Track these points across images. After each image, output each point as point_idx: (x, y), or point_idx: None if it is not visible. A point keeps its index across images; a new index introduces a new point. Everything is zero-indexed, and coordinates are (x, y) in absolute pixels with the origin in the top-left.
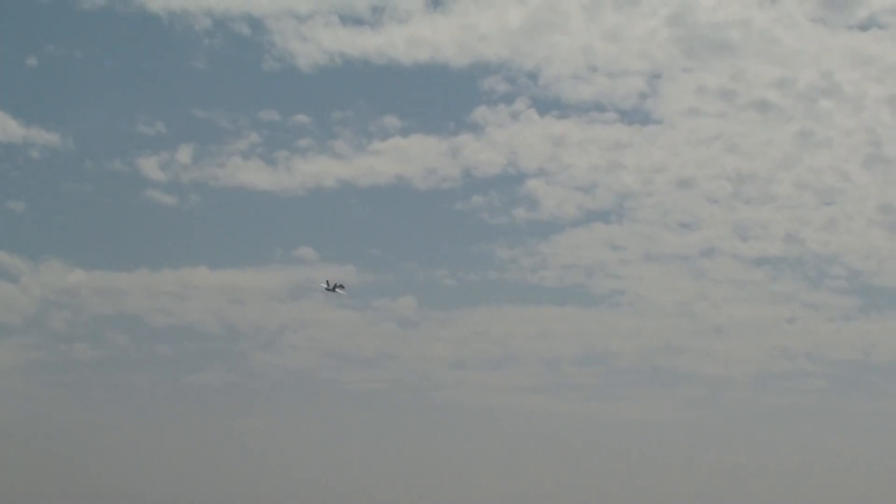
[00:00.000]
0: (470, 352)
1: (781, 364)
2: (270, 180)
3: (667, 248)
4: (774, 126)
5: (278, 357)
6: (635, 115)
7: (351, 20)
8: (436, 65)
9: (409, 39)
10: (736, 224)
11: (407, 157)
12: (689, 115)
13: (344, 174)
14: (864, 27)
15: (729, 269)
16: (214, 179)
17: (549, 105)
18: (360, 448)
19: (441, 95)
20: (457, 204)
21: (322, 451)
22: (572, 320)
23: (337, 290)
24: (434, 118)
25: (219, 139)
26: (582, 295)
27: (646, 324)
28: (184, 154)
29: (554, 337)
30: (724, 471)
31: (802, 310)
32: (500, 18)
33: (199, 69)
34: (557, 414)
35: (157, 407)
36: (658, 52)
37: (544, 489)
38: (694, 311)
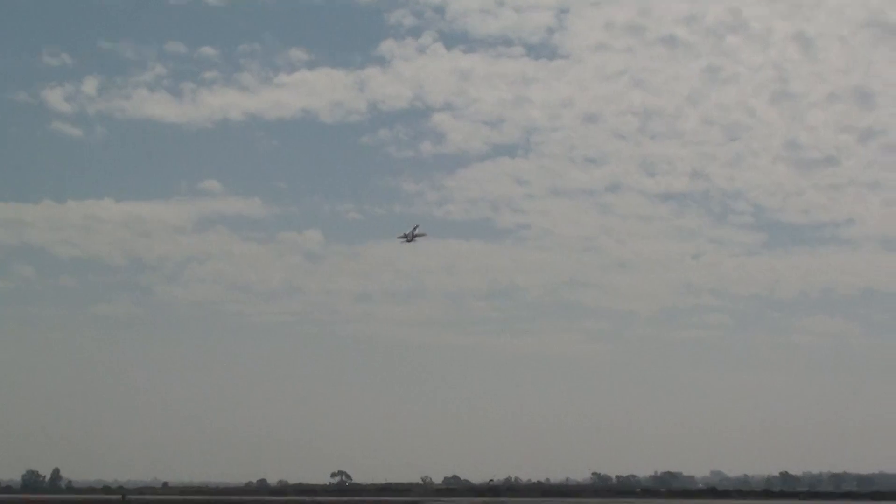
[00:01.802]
0: (376, 285)
1: (686, 299)
2: (176, 113)
3: (573, 183)
4: (682, 62)
5: (184, 289)
6: (543, 50)
7: None
8: None
9: None
10: (642, 159)
11: (313, 90)
12: (596, 51)
13: (250, 107)
14: None
15: (635, 204)
16: (120, 111)
17: (456, 39)
18: (266, 381)
19: (348, 28)
20: (363, 138)
21: (227, 383)
22: (478, 255)
23: (416, 237)
24: (340, 51)
25: (124, 71)
26: (488, 229)
27: (551, 258)
28: (89, 86)
29: (460, 271)
30: (627, 403)
31: (707, 245)
32: None
33: (104, 1)
34: (463, 347)
35: (63, 338)
36: None
37: (451, 420)
38: (599, 245)
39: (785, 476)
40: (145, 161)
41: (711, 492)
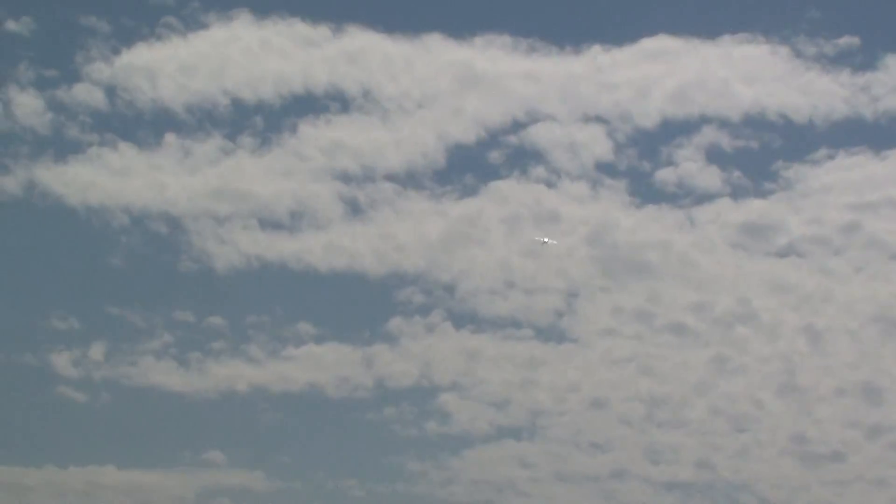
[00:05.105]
0: None
1: None
2: (182, 382)
3: (577, 468)
4: (690, 350)
5: None
6: (551, 333)
7: (269, 224)
8: (353, 273)
9: (327, 246)
10: (647, 447)
11: (320, 364)
12: (604, 336)
13: (256, 379)
14: (782, 255)
15: (639, 492)
16: (126, 378)
17: (465, 319)
18: None
19: (357, 304)
20: (368, 414)
21: None
22: None
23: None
24: (349, 327)
25: (132, 338)
26: None
27: None
28: (96, 351)
29: None
30: None
31: None
32: (419, 229)
33: (114, 266)
34: None
35: None
36: (576, 270)
37: None
38: None
39: None
40: (149, 429)
41: None
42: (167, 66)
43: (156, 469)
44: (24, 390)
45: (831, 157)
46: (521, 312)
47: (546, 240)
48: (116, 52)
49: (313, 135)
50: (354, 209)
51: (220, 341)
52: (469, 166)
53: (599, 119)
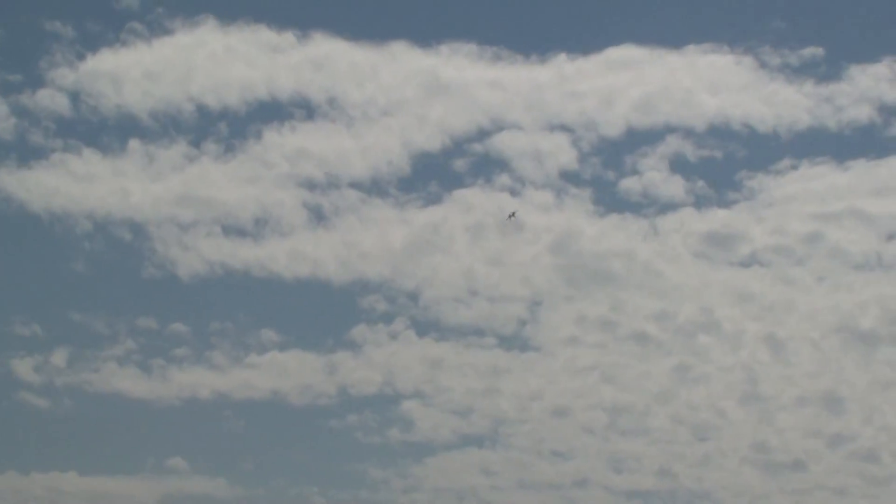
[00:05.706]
0: None
1: None
2: (145, 388)
3: (540, 476)
4: (652, 359)
5: None
6: (514, 341)
7: (233, 231)
8: (316, 280)
9: (291, 253)
10: (610, 455)
11: (283, 371)
12: (567, 344)
13: (219, 386)
14: (745, 264)
15: (601, 500)
16: (89, 384)
17: (428, 327)
18: None
19: (320, 311)
20: (331, 421)
21: None
22: None
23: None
24: (312, 334)
25: (94, 344)
26: None
27: None
28: (59, 357)
29: None
30: None
31: None
32: (383, 237)
33: (77, 272)
34: None
35: None
36: (540, 279)
37: None
38: None
39: None
40: (112, 435)
41: None
42: (132, 72)
43: (118, 475)
44: None
45: (794, 168)
46: (485, 321)
47: (514, 214)
48: (81, 57)
49: (278, 142)
50: (318, 216)
51: (183, 348)
52: (434, 174)
53: (564, 128)
